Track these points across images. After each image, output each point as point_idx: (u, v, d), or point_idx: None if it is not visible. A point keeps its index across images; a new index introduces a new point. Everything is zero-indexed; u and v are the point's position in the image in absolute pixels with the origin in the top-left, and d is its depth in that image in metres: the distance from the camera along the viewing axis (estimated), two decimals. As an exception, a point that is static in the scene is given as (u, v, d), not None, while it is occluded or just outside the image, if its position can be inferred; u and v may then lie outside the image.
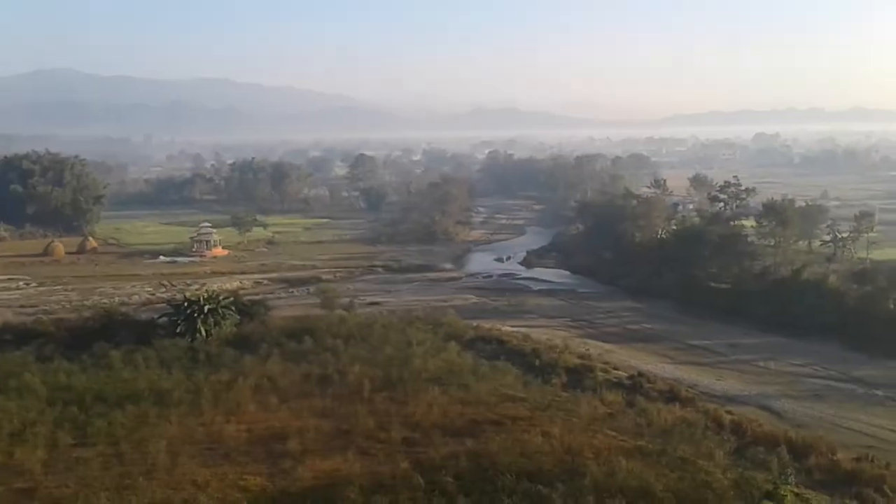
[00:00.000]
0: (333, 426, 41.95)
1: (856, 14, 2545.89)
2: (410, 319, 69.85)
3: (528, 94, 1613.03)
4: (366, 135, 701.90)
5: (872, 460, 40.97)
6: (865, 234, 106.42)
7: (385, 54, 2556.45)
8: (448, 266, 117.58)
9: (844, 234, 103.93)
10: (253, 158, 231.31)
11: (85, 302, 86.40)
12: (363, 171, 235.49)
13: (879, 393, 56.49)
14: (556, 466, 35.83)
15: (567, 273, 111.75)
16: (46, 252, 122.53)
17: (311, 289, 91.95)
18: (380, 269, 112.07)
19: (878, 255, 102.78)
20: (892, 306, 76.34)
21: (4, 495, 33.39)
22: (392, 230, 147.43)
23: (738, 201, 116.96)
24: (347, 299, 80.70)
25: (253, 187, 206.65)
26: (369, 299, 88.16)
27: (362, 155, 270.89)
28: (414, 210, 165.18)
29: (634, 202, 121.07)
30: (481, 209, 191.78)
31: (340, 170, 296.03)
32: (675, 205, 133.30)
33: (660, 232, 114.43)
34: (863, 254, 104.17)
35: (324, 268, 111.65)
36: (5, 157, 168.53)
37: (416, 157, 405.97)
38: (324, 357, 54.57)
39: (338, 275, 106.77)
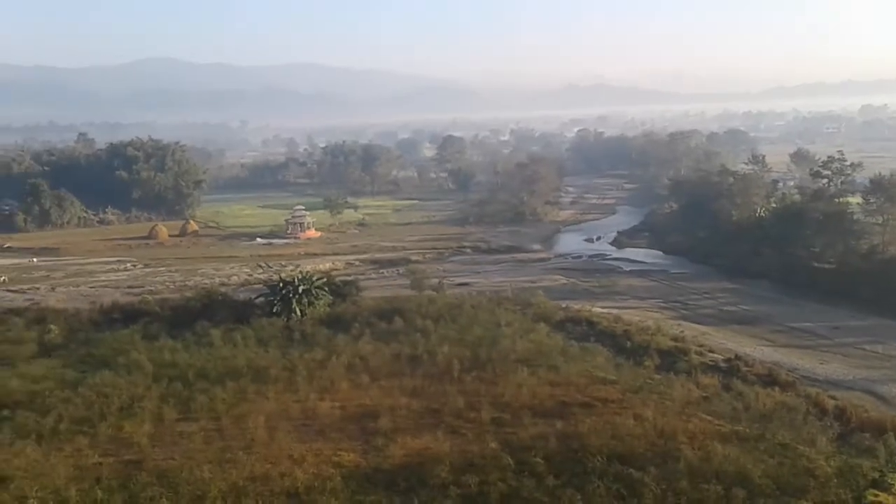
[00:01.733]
0: (423, 405, 42.53)
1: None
2: (499, 300, 69.82)
3: (616, 68, 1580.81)
4: (454, 115, 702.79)
5: None
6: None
7: (472, 34, 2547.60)
8: (537, 247, 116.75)
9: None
10: (344, 142, 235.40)
11: (187, 283, 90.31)
12: (451, 153, 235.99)
13: None
14: (648, 450, 35.28)
15: (659, 253, 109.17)
16: (151, 235, 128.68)
17: (401, 270, 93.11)
18: (468, 250, 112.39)
19: None
20: None
21: (114, 466, 35.41)
22: (480, 211, 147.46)
23: (842, 177, 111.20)
24: (436, 280, 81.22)
25: (344, 170, 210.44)
26: (458, 280, 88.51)
27: (450, 136, 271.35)
28: (502, 190, 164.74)
29: (731, 179, 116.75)
30: (570, 189, 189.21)
31: (429, 151, 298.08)
32: (775, 181, 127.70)
33: (758, 210, 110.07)
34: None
35: (413, 249, 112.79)
36: (111, 144, 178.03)
37: (504, 137, 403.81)
38: (414, 337, 55.24)
39: (427, 256, 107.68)
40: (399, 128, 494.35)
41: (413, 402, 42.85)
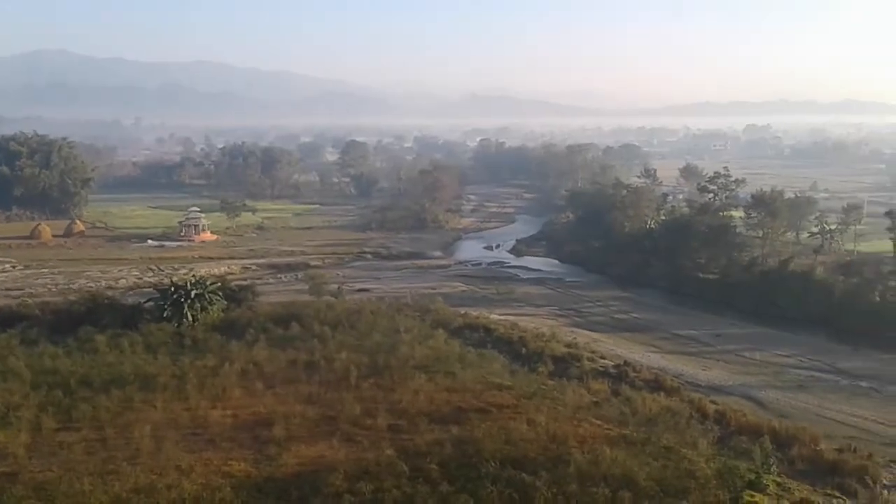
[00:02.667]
0: (319, 412, 41.92)
1: (853, 3, 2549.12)
2: (399, 307, 69.98)
3: (522, 81, 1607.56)
4: (358, 121, 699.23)
5: (855, 451, 41.22)
6: (853, 226, 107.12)
7: (380, 40, 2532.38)
8: (437, 254, 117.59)
9: (832, 226, 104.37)
10: (243, 143, 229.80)
11: (71, 285, 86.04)
12: (354, 157, 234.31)
13: (863, 384, 56.90)
14: (540, 454, 35.93)
15: (556, 262, 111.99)
16: (33, 235, 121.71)
17: (300, 275, 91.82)
18: (369, 256, 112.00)
19: (865, 247, 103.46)
20: (878, 298, 76.92)
21: (-13, 479, 33.25)
22: (382, 217, 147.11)
23: (727, 192, 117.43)
24: (336, 286, 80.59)
25: (243, 172, 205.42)
26: (358, 286, 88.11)
27: (353, 141, 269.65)
28: (404, 197, 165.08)
29: (624, 192, 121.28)
30: (472, 197, 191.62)
31: (331, 156, 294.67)
32: (665, 195, 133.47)
33: (649, 222, 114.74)
34: (850, 246, 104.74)
35: (313, 254, 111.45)
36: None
37: (408, 144, 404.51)
38: (311, 343, 54.51)
39: (327, 261, 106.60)
40: (302, 131, 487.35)
41: (308, 410, 42.16)
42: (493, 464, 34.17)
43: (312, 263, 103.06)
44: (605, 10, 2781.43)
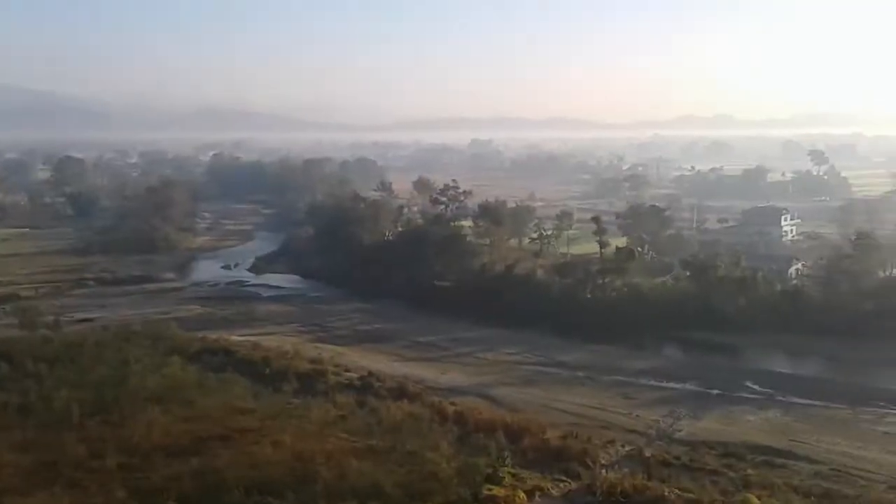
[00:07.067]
0: (36, 459, 37.75)
1: (553, 27, 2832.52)
2: (127, 335, 65.29)
3: (257, 95, 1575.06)
4: (74, 135, 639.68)
5: (576, 436, 45.47)
6: (566, 231, 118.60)
7: (99, 49, 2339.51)
8: (170, 276, 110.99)
9: (549, 232, 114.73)
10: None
11: None
12: (70, 175, 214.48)
13: (581, 374, 63.07)
14: (287, 475, 35.42)
15: (298, 278, 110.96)
16: None
17: (8, 308, 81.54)
18: (91, 283, 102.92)
19: (576, 249, 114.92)
20: (588, 296, 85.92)
21: None
22: (105, 239, 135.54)
23: (457, 203, 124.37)
24: (52, 317, 72.72)
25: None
26: (79, 316, 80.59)
27: (68, 157, 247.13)
28: (131, 217, 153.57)
29: (362, 205, 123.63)
30: (206, 215, 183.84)
31: (43, 174, 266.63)
32: (401, 207, 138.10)
33: (387, 234, 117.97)
34: (564, 249, 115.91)
35: (24, 283, 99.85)
36: None
37: (133, 160, 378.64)
38: (24, 384, 49.31)
39: (40, 290, 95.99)
40: (6, 147, 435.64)
41: (22, 458, 37.84)
42: (237, 492, 33.11)
43: (23, 294, 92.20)
44: (338, 26, 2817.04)
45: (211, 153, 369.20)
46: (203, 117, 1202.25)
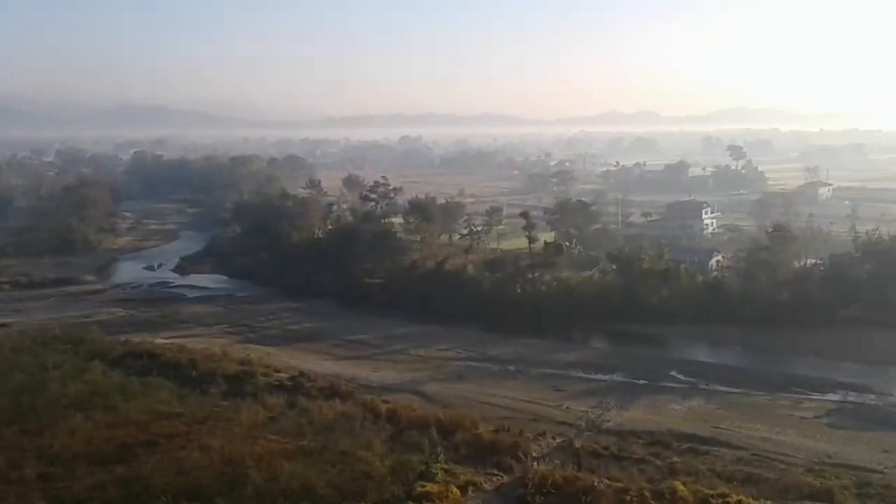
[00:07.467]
0: (-54, 474, 35.85)
1: (481, 26, 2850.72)
2: (45, 340, 63.05)
3: (179, 91, 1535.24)
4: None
5: (508, 430, 45.84)
6: (496, 227, 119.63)
7: (13, 44, 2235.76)
8: (90, 278, 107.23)
9: (479, 228, 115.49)
10: None
11: None
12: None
13: (511, 368, 63.83)
14: (215, 480, 34.65)
15: (225, 278, 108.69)
16: None
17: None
18: (5, 286, 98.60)
19: (506, 244, 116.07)
20: (518, 290, 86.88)
21: None
22: (20, 240, 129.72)
23: (387, 200, 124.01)
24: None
25: None
26: (-7, 321, 77.03)
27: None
28: (47, 216, 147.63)
29: (291, 203, 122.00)
30: (128, 214, 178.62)
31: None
32: (331, 205, 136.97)
33: (317, 232, 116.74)
34: (494, 244, 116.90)
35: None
36: None
37: (49, 159, 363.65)
38: (-67, 394, 46.46)
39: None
40: None
41: (-67, 474, 35.85)
42: (164, 499, 32.26)
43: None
44: (263, 22, 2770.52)
45: (132, 151, 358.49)
46: (122, 114, 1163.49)
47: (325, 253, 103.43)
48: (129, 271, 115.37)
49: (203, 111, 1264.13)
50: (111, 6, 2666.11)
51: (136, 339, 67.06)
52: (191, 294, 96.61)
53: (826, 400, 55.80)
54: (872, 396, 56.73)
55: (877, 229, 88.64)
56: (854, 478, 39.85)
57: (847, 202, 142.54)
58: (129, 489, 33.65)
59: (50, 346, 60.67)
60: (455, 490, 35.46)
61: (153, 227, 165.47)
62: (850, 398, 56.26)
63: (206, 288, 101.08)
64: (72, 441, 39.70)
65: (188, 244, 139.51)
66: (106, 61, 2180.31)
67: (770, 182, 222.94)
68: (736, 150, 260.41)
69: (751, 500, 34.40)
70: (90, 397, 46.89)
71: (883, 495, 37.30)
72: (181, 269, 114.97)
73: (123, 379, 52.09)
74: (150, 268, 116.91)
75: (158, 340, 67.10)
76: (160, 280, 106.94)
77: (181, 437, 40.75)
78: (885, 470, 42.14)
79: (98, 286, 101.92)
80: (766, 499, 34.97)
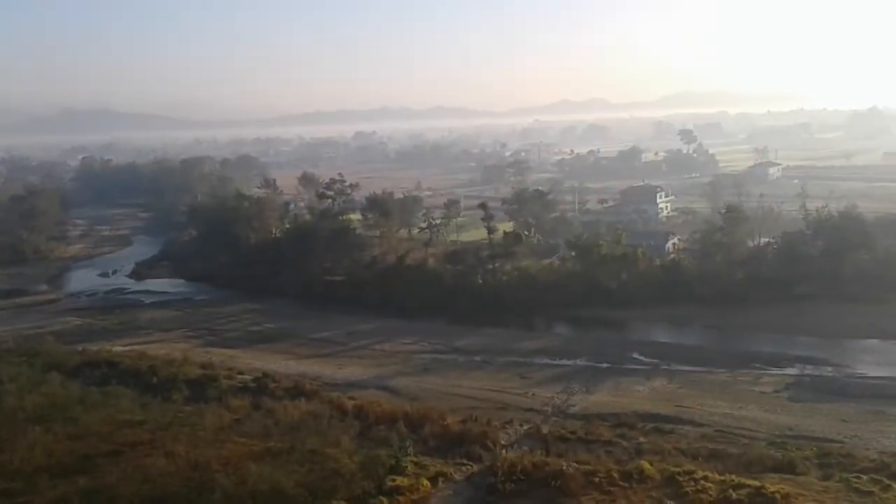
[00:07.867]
0: None
1: (430, 20, 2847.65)
2: (-1, 353, 60.97)
3: (123, 94, 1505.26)
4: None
5: (476, 420, 46.07)
6: (454, 219, 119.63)
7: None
8: (43, 288, 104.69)
9: (438, 221, 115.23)
10: None
11: None
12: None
13: (477, 359, 64.03)
14: (182, 486, 34.19)
15: (182, 281, 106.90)
16: None
17: None
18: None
19: (465, 236, 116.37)
20: (480, 281, 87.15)
21: None
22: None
23: (344, 197, 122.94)
24: (-89, 341, 67.27)
25: None
26: (-58, 337, 74.62)
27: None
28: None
29: (247, 203, 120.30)
30: (79, 221, 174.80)
31: None
32: (287, 204, 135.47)
33: (274, 231, 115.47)
34: (453, 236, 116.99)
35: None
36: None
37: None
38: None
39: None
40: None
41: None
42: (130, 508, 31.57)
43: None
44: (209, 20, 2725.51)
45: (80, 157, 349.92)
46: (66, 120, 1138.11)
47: (284, 252, 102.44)
48: (83, 279, 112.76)
49: (148, 113, 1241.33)
50: (47, 11, 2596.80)
51: (94, 348, 65.75)
52: (148, 299, 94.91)
53: (784, 374, 57.14)
54: (829, 369, 58.27)
55: (826, 206, 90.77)
56: (815, 448, 40.89)
57: (796, 181, 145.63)
58: (94, 500, 33.04)
59: (4, 359, 59.13)
60: (426, 482, 35.51)
61: (106, 233, 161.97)
62: (807, 371, 57.68)
63: (163, 293, 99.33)
64: (32, 455, 38.75)
65: (143, 249, 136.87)
66: (44, 66, 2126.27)
67: (721, 164, 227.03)
68: (687, 135, 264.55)
69: (716, 475, 35.03)
70: (49, 410, 45.75)
71: (843, 464, 38.30)
72: (137, 274, 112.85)
73: (82, 389, 50.94)
74: (105, 274, 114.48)
75: (117, 348, 65.92)
76: (116, 287, 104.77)
77: (145, 445, 40.06)
78: (845, 439, 43.32)
79: (52, 296, 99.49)
80: (731, 473, 35.62)
